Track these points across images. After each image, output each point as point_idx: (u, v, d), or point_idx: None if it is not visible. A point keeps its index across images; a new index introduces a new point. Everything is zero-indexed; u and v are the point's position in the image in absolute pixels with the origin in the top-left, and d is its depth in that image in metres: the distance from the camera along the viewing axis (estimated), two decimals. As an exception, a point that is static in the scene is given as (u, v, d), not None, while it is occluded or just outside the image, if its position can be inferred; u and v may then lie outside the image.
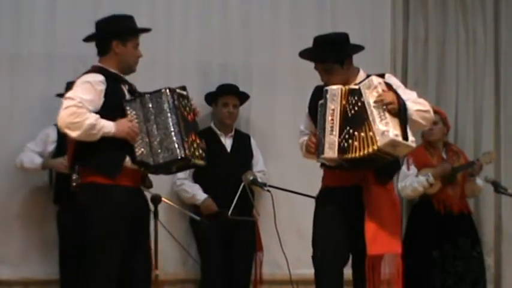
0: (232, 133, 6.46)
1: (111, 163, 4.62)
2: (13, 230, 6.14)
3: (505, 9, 7.42)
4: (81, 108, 4.52)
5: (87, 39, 4.88)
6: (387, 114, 4.44)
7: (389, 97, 4.47)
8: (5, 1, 6.25)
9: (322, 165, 4.81)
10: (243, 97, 6.52)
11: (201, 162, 4.74)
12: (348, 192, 4.70)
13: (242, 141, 6.49)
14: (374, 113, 4.44)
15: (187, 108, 4.73)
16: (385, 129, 4.39)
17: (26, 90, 6.21)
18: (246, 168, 6.14)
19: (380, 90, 4.49)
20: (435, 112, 6.72)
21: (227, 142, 6.39)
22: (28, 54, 6.27)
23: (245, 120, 6.70)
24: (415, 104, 4.61)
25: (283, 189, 5.71)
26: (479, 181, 6.79)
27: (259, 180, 5.90)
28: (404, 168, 6.68)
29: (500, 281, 7.21)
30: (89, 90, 4.60)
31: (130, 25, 4.85)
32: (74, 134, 4.55)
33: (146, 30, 4.93)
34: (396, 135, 4.40)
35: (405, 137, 4.44)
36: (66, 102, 4.57)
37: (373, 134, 4.41)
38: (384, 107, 4.45)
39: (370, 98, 4.48)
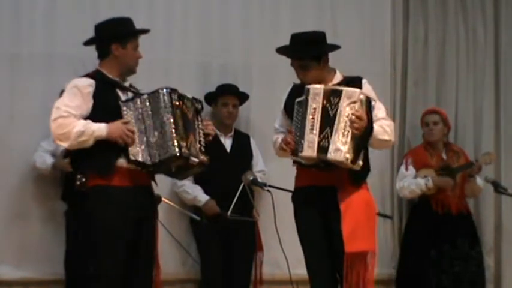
0: (232, 133, 6.46)
1: (104, 164, 4.62)
2: (13, 230, 6.14)
3: (505, 10, 7.42)
4: (67, 118, 4.56)
5: (87, 43, 4.89)
6: (350, 135, 4.53)
7: (361, 122, 4.54)
8: (5, 1, 6.25)
9: (296, 163, 4.86)
10: (243, 97, 6.52)
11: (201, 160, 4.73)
12: (322, 193, 4.74)
13: (242, 141, 6.49)
14: (340, 126, 4.53)
15: (189, 109, 4.72)
16: (341, 148, 4.52)
17: (26, 90, 6.21)
18: (245, 168, 6.14)
19: (357, 107, 4.54)
20: (436, 112, 6.76)
21: (227, 142, 6.39)
22: (28, 54, 6.27)
23: (245, 120, 6.71)
24: (380, 131, 4.70)
25: (283, 189, 5.70)
26: (479, 181, 6.78)
27: (259, 180, 5.90)
28: (402, 168, 6.70)
29: (500, 281, 7.21)
30: (75, 95, 4.63)
31: (129, 27, 4.84)
32: (65, 144, 4.62)
33: (145, 31, 4.92)
34: (346, 159, 4.53)
35: (354, 161, 4.57)
36: (53, 113, 4.61)
37: (328, 145, 4.53)
38: (351, 127, 4.53)
39: (345, 109, 4.54)
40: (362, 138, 4.57)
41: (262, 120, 6.73)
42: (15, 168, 6.10)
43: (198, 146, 4.71)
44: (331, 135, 4.53)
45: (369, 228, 4.73)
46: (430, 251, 6.52)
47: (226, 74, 6.65)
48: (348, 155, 4.52)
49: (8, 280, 6.11)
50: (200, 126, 4.77)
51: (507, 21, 7.42)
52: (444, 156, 6.75)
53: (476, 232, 6.81)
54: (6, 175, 6.13)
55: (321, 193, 4.75)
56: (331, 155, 4.52)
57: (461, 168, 6.68)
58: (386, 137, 4.73)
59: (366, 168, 4.78)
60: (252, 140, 6.55)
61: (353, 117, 4.53)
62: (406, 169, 6.67)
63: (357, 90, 4.61)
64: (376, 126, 4.65)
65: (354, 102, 4.54)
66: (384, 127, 4.72)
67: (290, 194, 5.66)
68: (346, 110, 4.54)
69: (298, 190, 4.92)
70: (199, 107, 4.81)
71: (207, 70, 6.66)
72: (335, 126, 4.53)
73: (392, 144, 4.91)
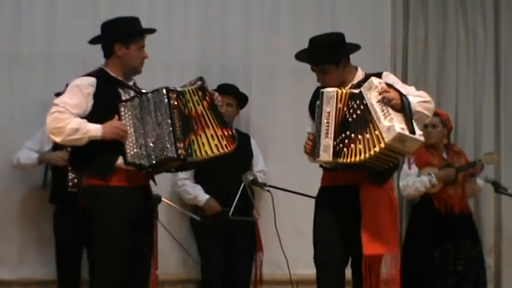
0: (232, 133, 6.46)
1: (103, 165, 4.62)
2: (12, 230, 6.14)
3: (505, 10, 7.41)
4: (63, 114, 4.55)
5: (92, 41, 4.88)
6: (391, 111, 4.37)
7: (391, 94, 4.43)
8: (5, 1, 6.25)
9: (321, 165, 4.81)
10: (242, 98, 6.50)
11: (202, 157, 4.69)
12: (345, 192, 4.68)
13: (242, 141, 6.42)
14: (378, 112, 4.38)
15: (194, 103, 4.69)
16: (390, 124, 4.30)
17: (25, 90, 6.21)
18: (245, 168, 6.14)
19: (380, 88, 4.45)
20: (436, 114, 6.74)
21: (227, 142, 6.38)
22: (28, 54, 6.27)
23: (245, 120, 6.71)
24: (416, 96, 4.56)
25: (283, 189, 5.71)
26: (479, 181, 6.79)
27: (259, 180, 5.90)
28: (405, 167, 6.69)
29: (500, 281, 7.21)
30: (75, 94, 4.63)
31: (133, 27, 4.82)
32: (57, 139, 4.60)
33: (149, 31, 4.90)
34: (402, 129, 4.29)
35: (412, 131, 4.35)
36: (52, 109, 4.61)
37: (379, 132, 4.32)
38: (387, 104, 4.40)
39: (372, 98, 4.44)
40: (403, 106, 4.39)
41: (262, 120, 6.74)
42: (14, 168, 6.09)
43: (215, 130, 4.67)
44: (373, 128, 4.36)
45: (389, 230, 4.64)
46: (434, 251, 6.52)
47: (226, 74, 6.65)
48: (401, 125, 4.30)
49: (8, 280, 6.11)
50: (214, 105, 4.73)
51: (507, 21, 7.41)
52: (445, 156, 6.75)
53: (477, 232, 6.81)
54: (6, 175, 6.12)
55: (343, 194, 4.68)
56: (387, 138, 4.28)
57: (464, 167, 6.68)
58: (424, 98, 4.57)
59: (390, 166, 4.63)
60: (252, 140, 6.55)
61: (381, 95, 4.41)
62: (409, 168, 6.66)
63: (371, 78, 4.51)
64: (410, 97, 4.49)
65: (376, 87, 4.42)
66: (416, 94, 4.59)
67: (290, 194, 5.70)
68: (374, 99, 4.41)
69: (321, 190, 4.86)
70: (201, 84, 4.74)
71: (207, 70, 6.63)
72: (374, 117, 4.36)
73: (434, 107, 4.65)
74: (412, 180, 6.60)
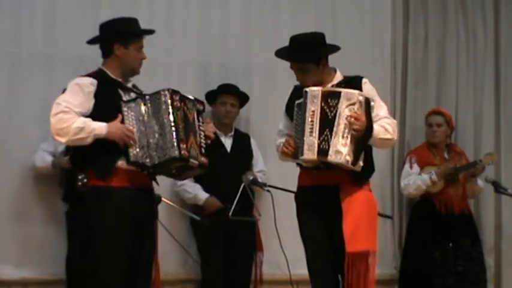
0: (232, 133, 6.47)
1: (104, 165, 4.61)
2: (13, 230, 6.13)
3: (505, 9, 7.42)
4: (67, 114, 4.53)
5: (91, 41, 4.88)
6: (350, 136, 4.53)
7: (360, 123, 4.53)
8: (5, 1, 6.25)
9: (299, 165, 4.86)
10: (243, 97, 6.51)
11: (201, 162, 4.72)
12: (325, 192, 4.74)
13: (242, 141, 6.50)
14: (340, 128, 4.53)
15: (190, 111, 4.71)
16: (340, 149, 4.52)
17: (25, 91, 6.21)
18: (245, 168, 6.14)
19: (356, 109, 4.54)
20: (441, 114, 6.76)
21: (227, 142, 6.39)
22: (28, 54, 6.26)
23: (245, 120, 6.71)
24: (381, 130, 4.67)
25: (283, 189, 5.71)
26: (480, 182, 6.80)
27: (259, 180, 5.90)
28: (407, 166, 6.71)
29: (500, 281, 7.21)
30: (77, 93, 4.61)
31: (132, 28, 4.82)
32: (63, 139, 4.58)
33: (148, 32, 4.90)
34: (347, 161, 4.54)
35: (355, 163, 4.58)
36: (54, 109, 4.58)
37: (328, 147, 4.52)
38: (351, 128, 4.52)
39: (344, 110, 4.54)
40: (362, 139, 4.56)
41: (262, 120, 6.73)
42: (15, 168, 6.10)
43: (198, 148, 4.70)
44: (331, 138, 4.53)
45: (370, 228, 4.72)
46: (434, 251, 6.52)
47: (226, 74, 6.65)
48: (348, 157, 4.52)
49: (8, 280, 6.11)
50: (201, 127, 4.77)
51: (507, 21, 7.42)
52: (446, 156, 6.76)
53: (477, 232, 6.82)
54: (6, 175, 6.12)
55: (323, 193, 4.75)
56: (331, 157, 4.52)
57: (465, 167, 6.68)
58: (388, 136, 4.70)
59: (369, 167, 4.77)
60: (252, 140, 6.56)
61: (352, 119, 4.52)
62: (411, 167, 6.68)
63: (356, 91, 4.59)
64: (376, 125, 4.64)
65: (353, 104, 4.53)
66: (385, 126, 4.69)
67: (290, 194, 5.67)
68: (345, 112, 4.53)
69: (301, 189, 4.91)
70: (201, 108, 4.80)
71: (207, 70, 6.66)
72: (334, 128, 4.52)
73: (394, 142, 4.88)
74: (413, 179, 6.61)
